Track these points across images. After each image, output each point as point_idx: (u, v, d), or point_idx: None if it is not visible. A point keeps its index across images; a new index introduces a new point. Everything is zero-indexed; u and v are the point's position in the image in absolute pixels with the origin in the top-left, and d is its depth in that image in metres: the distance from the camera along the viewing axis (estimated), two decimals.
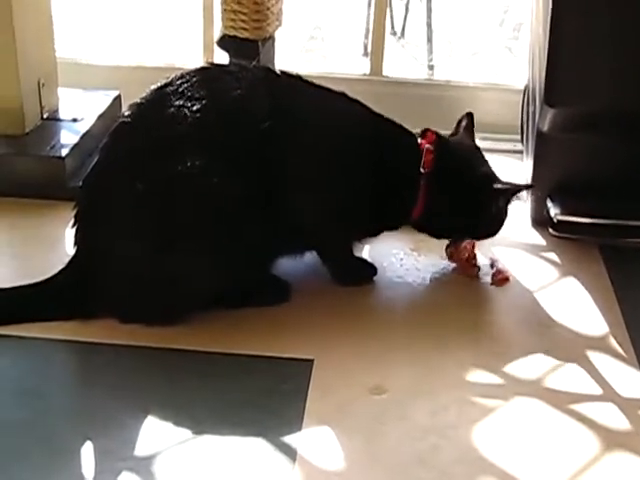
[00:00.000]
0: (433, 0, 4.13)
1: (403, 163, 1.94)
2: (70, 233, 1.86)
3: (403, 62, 3.87)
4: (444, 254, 2.09)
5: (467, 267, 2.05)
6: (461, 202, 1.95)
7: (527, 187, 2.12)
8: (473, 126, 2.07)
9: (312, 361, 1.74)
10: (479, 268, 2.05)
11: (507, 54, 4.17)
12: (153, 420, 1.59)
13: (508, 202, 1.99)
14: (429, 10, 4.10)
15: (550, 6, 2.03)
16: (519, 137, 2.48)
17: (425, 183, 1.93)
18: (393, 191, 1.93)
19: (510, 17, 4.55)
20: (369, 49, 2.88)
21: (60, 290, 1.83)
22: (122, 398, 1.64)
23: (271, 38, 2.43)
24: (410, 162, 1.93)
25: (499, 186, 1.96)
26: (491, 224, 2.01)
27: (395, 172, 1.93)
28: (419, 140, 1.96)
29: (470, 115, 2.08)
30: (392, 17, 4.20)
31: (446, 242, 2.07)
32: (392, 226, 2.02)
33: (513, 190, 1.98)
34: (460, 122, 2.08)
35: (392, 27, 4.22)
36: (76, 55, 2.94)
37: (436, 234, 2.04)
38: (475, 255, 2.06)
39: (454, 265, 2.08)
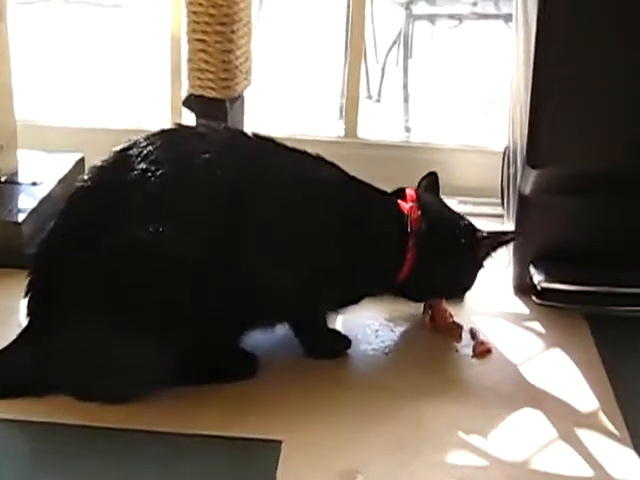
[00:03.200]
0: (410, 62, 4.13)
1: (387, 225, 1.91)
2: (24, 303, 1.77)
3: (379, 127, 3.84)
4: (421, 322, 2.06)
5: (452, 328, 2.01)
6: (450, 257, 1.94)
7: (512, 233, 2.09)
8: (436, 184, 2.08)
9: (280, 442, 1.66)
10: (462, 327, 2.01)
11: (484, 117, 4.16)
12: None
13: (491, 252, 1.98)
14: (405, 70, 4.10)
15: (532, 64, 2.00)
16: (499, 200, 2.44)
17: (414, 242, 1.89)
18: (378, 255, 1.89)
19: (487, 80, 4.56)
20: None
21: (8, 365, 1.74)
22: None
23: (240, 98, 2.36)
24: (395, 223, 1.90)
25: (484, 235, 1.96)
26: (473, 277, 2.00)
27: (380, 235, 1.89)
28: (398, 200, 1.94)
29: (434, 175, 2.08)
30: (368, 81, 4.20)
31: (420, 309, 2.06)
32: (375, 292, 1.98)
33: (499, 238, 1.98)
34: (424, 180, 2.08)
35: (368, 91, 4.22)
36: (39, 117, 2.89)
37: (419, 295, 2.02)
38: (452, 314, 2.04)
39: (433, 332, 2.03)
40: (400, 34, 4.30)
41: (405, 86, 4.07)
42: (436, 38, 5.05)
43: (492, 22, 4.75)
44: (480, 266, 1.99)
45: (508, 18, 4.19)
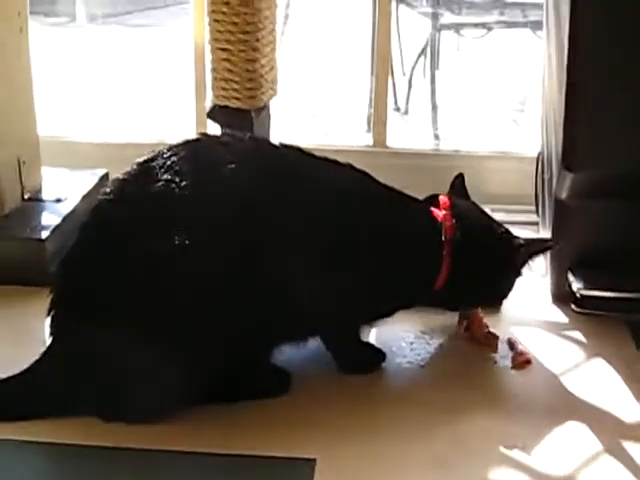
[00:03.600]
0: (437, 73, 4.09)
1: (422, 234, 1.86)
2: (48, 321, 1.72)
3: (407, 138, 3.79)
4: (457, 333, 2.01)
5: (489, 338, 1.97)
6: (486, 265, 1.89)
7: (550, 241, 2.05)
8: (464, 187, 2.03)
9: (314, 461, 1.60)
10: (498, 337, 1.97)
11: (514, 127, 4.10)
12: None
13: (528, 259, 1.93)
14: (433, 78, 4.05)
15: (566, 67, 1.95)
16: (533, 207, 2.39)
17: (448, 251, 1.84)
18: (411, 265, 1.83)
19: (516, 89, 4.51)
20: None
21: (32, 385, 1.69)
22: None
23: (265, 108, 2.31)
24: (429, 232, 1.85)
25: (521, 242, 1.91)
26: (510, 286, 1.95)
27: (415, 245, 1.84)
28: (431, 208, 1.89)
29: (461, 176, 2.03)
30: (395, 93, 4.15)
31: (455, 319, 2.01)
32: (410, 304, 1.92)
33: (537, 245, 1.94)
34: (453, 184, 2.02)
35: (395, 103, 4.17)
36: (64, 133, 2.88)
37: (455, 305, 1.97)
38: (488, 325, 2.00)
39: (469, 343, 1.98)
40: (426, 45, 4.25)
41: (433, 93, 4.01)
42: (462, 48, 5.00)
43: (519, 30, 4.70)
44: (518, 274, 1.94)
45: (535, 26, 4.14)
